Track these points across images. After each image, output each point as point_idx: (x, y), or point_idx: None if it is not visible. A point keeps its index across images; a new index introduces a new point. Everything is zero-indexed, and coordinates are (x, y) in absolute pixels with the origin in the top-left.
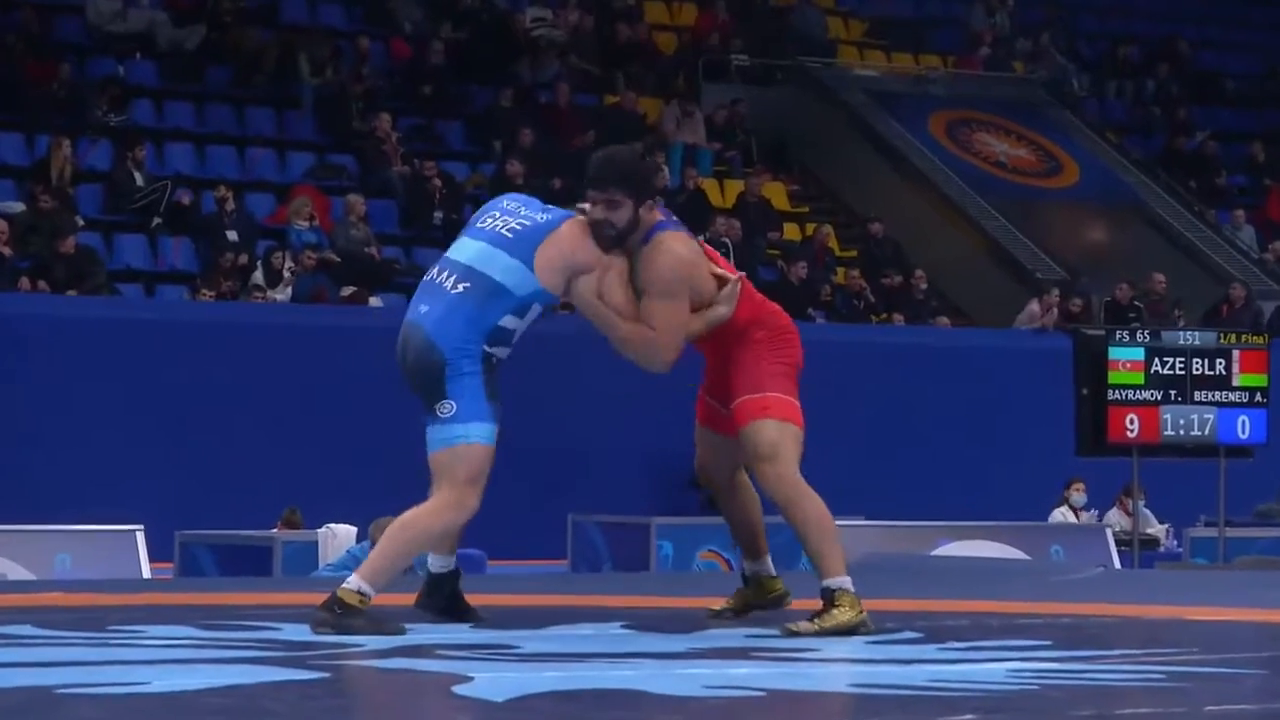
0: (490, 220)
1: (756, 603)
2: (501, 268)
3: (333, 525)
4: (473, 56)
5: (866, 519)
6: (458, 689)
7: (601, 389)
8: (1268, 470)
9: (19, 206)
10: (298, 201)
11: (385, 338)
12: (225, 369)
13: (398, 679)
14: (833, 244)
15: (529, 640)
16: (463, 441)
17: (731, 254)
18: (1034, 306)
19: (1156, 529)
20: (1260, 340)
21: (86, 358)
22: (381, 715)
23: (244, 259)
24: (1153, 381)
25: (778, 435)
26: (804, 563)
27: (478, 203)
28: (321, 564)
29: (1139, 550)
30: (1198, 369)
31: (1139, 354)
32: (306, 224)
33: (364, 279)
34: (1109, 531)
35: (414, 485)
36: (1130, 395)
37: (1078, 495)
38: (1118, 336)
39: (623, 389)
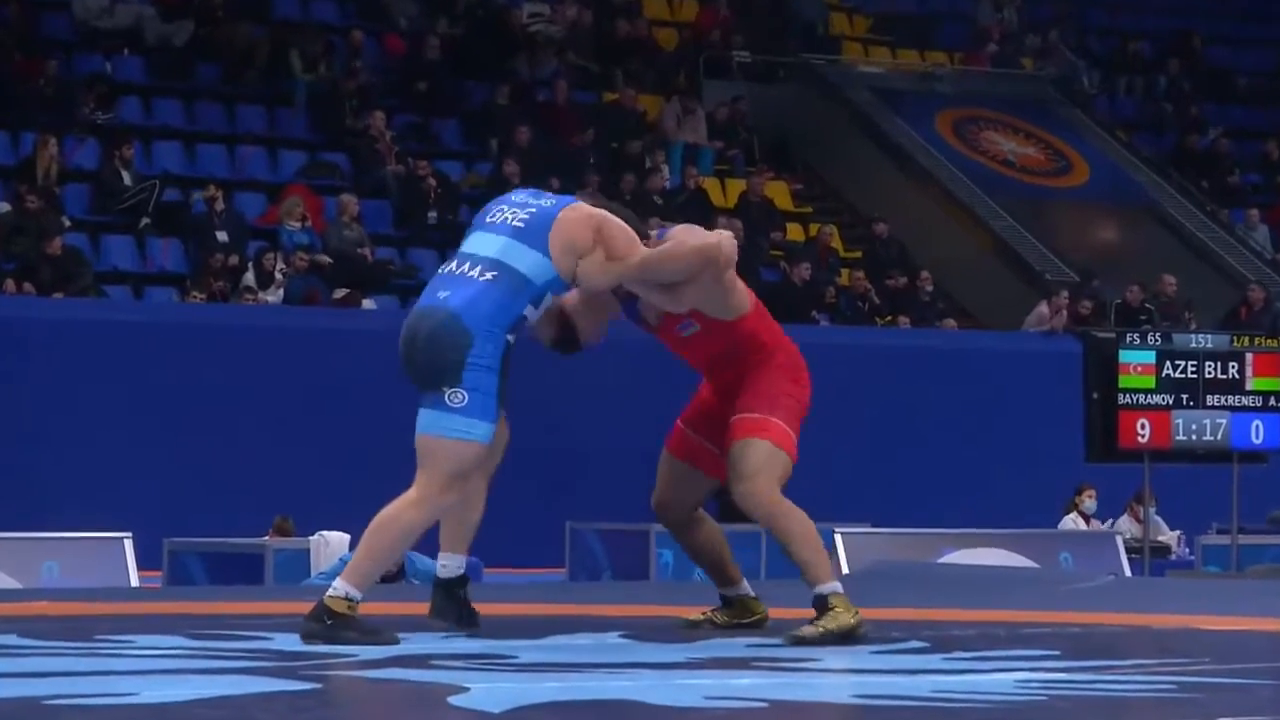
0: (501, 214)
1: (739, 622)
2: (524, 259)
3: (325, 532)
4: (469, 53)
5: (872, 525)
6: (454, 700)
7: (601, 396)
8: None
9: (4, 206)
10: (289, 201)
11: (379, 341)
12: (215, 373)
13: (392, 690)
14: (837, 244)
15: (526, 650)
16: (464, 437)
17: None
18: (1043, 308)
19: (1168, 536)
20: (1274, 343)
21: (73, 361)
22: None
23: (234, 260)
24: (1164, 385)
25: (767, 457)
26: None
27: (474, 202)
28: (314, 572)
29: (1150, 558)
30: (1210, 373)
31: (1150, 357)
32: (298, 224)
33: (357, 281)
34: (1119, 539)
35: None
36: (1141, 399)
37: (1089, 502)
38: (1128, 339)
39: (622, 395)
